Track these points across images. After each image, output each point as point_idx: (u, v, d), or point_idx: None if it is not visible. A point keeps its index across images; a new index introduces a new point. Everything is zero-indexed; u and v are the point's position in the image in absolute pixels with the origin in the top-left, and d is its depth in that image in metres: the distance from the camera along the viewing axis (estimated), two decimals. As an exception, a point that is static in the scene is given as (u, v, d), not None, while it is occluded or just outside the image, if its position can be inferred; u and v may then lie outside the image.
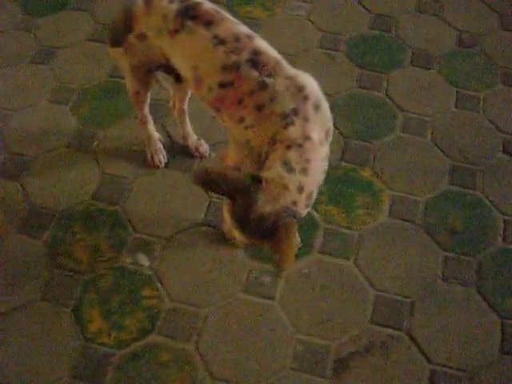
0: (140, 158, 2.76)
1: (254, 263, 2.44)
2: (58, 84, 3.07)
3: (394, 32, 3.30)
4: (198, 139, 2.76)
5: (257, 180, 1.78)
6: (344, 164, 2.74)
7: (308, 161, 1.84)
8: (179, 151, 2.79)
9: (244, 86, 1.93)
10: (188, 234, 2.52)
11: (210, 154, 2.77)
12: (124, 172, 2.72)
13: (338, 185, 2.68)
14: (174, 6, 2.06)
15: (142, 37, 2.17)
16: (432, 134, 2.86)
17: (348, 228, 2.54)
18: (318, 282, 2.40)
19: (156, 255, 2.46)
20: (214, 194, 2.60)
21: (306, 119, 1.86)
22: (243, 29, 2.02)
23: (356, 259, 2.46)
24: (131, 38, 2.19)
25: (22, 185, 2.67)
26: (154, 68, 2.31)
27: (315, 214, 2.58)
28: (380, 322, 2.31)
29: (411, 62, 3.17)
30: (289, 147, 1.84)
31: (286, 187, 1.80)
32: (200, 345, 2.25)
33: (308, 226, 2.54)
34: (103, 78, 3.10)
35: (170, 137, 2.84)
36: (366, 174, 2.71)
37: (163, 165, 2.73)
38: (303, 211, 1.86)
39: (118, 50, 2.28)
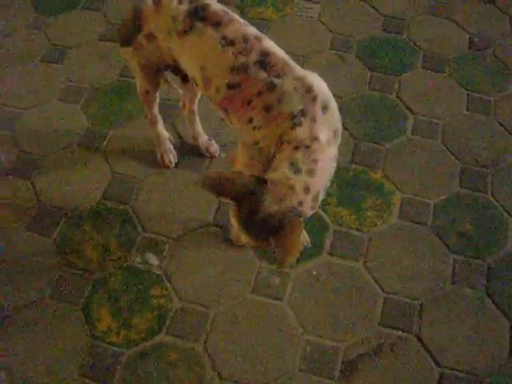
0: (150, 157, 2.77)
1: (263, 264, 2.44)
2: (69, 83, 3.08)
3: (405, 34, 3.30)
4: (209, 139, 2.76)
5: (262, 182, 1.78)
6: (354, 166, 2.74)
7: (315, 161, 1.83)
8: (189, 151, 2.79)
9: (252, 86, 1.93)
10: (197, 233, 2.52)
11: (220, 155, 2.77)
12: (134, 171, 2.72)
13: (348, 186, 2.67)
14: (183, 7, 2.06)
15: (150, 37, 2.17)
16: (443, 136, 2.85)
17: (358, 230, 2.54)
18: (327, 284, 2.40)
19: (165, 255, 2.46)
20: (222, 199, 2.60)
21: (313, 120, 1.85)
22: (252, 30, 2.01)
23: (365, 261, 2.45)
24: (140, 37, 2.20)
25: (32, 183, 2.68)
26: (162, 68, 2.32)
27: (325, 215, 2.57)
28: (389, 324, 2.30)
29: (422, 64, 3.16)
30: (296, 148, 1.83)
31: (292, 188, 1.80)
32: (208, 345, 2.24)
33: (318, 227, 2.54)
34: (114, 77, 3.11)
35: (180, 137, 2.84)
36: (376, 176, 2.70)
37: (173, 165, 2.73)
38: (309, 212, 1.86)
39: (127, 49, 2.29)
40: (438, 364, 2.21)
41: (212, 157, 2.75)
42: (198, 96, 2.60)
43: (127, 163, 2.75)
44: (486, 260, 2.46)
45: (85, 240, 2.51)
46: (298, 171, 1.81)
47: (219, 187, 1.77)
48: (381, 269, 2.44)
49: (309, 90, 1.88)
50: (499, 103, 2.99)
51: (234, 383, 2.16)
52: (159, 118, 2.63)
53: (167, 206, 2.61)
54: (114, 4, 3.48)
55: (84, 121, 2.91)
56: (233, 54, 1.97)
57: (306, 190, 1.82)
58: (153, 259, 2.45)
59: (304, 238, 1.75)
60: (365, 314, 2.32)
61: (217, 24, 2.01)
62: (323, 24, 3.35)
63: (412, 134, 2.86)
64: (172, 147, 2.73)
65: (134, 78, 2.53)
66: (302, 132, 1.84)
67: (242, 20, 2.05)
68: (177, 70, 2.33)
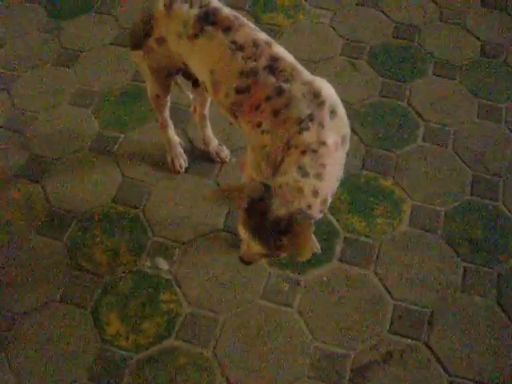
0: (160, 162, 2.77)
1: (273, 270, 2.44)
2: (81, 87, 3.09)
3: (416, 41, 3.30)
4: (219, 145, 2.76)
5: (269, 187, 1.79)
6: (365, 172, 2.73)
7: (323, 166, 1.83)
8: (200, 156, 2.79)
9: (261, 91, 1.93)
10: (207, 239, 2.52)
11: (230, 160, 2.77)
12: (144, 176, 2.73)
13: (358, 193, 2.67)
14: (194, 11, 2.07)
15: (161, 40, 2.17)
16: (453, 144, 2.85)
17: (368, 237, 2.54)
18: (336, 290, 2.39)
19: (175, 259, 2.47)
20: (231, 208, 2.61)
21: (321, 125, 1.85)
22: (262, 35, 2.02)
23: (375, 268, 2.45)
24: (151, 41, 2.20)
25: (43, 187, 2.69)
26: (173, 72, 2.32)
27: (335, 222, 2.57)
28: (398, 331, 2.29)
29: (433, 71, 3.16)
30: (303, 152, 1.84)
31: (300, 191, 1.80)
32: (218, 350, 2.24)
33: (328, 234, 2.54)
34: (125, 82, 3.11)
35: (190, 142, 2.85)
36: (386, 183, 2.70)
37: (184, 169, 2.73)
38: (318, 215, 1.86)
39: (138, 53, 2.29)
40: (447, 372, 2.20)
41: (222, 162, 2.76)
42: (209, 100, 2.61)
43: (138, 167, 2.75)
44: (496, 268, 2.46)
45: (95, 244, 2.51)
46: (305, 175, 1.81)
47: (228, 197, 1.79)
48: (390, 276, 2.43)
49: (317, 95, 1.89)
50: (510, 111, 2.98)
51: (242, 389, 2.16)
52: (170, 122, 2.63)
53: (177, 210, 2.61)
54: (126, 8, 3.49)
55: (95, 125, 2.92)
56: (242, 58, 1.97)
57: (315, 193, 1.82)
58: (163, 264, 2.45)
59: (314, 244, 1.75)
60: (374, 322, 2.32)
61: (227, 29, 2.02)
62: (334, 30, 3.35)
63: (423, 141, 2.86)
64: (182, 152, 2.74)
65: (145, 82, 2.54)
66: (309, 136, 1.84)
67: (252, 25, 2.06)
68: (188, 74, 2.34)
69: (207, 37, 2.03)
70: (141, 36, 2.23)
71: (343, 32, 3.34)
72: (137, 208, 2.62)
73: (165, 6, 2.13)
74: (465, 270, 2.45)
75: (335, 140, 1.87)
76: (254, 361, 2.22)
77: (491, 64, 3.20)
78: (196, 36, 2.05)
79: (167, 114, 2.59)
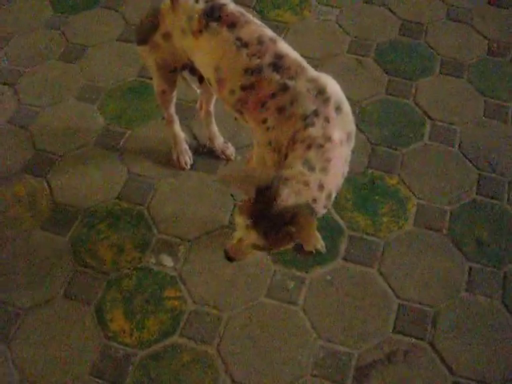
0: (166, 158, 2.77)
1: (278, 268, 2.43)
2: (87, 82, 3.09)
3: (423, 39, 3.28)
4: (225, 142, 2.76)
5: (279, 177, 1.78)
6: (371, 171, 2.72)
7: (328, 160, 1.83)
8: (205, 153, 2.79)
9: (266, 88, 1.93)
10: (212, 236, 2.52)
11: (236, 157, 2.76)
12: (149, 172, 2.72)
13: (364, 191, 2.66)
14: (200, 6, 2.06)
15: (167, 36, 2.17)
16: (460, 142, 2.84)
17: (373, 235, 2.53)
18: (341, 289, 2.39)
19: (180, 256, 2.46)
20: (237, 198, 2.60)
21: (326, 120, 1.85)
22: (267, 32, 2.01)
23: (380, 267, 2.44)
24: (157, 36, 2.20)
25: (48, 182, 2.69)
26: (179, 67, 2.32)
27: (340, 220, 2.57)
28: (403, 330, 2.29)
29: (440, 69, 3.14)
30: (309, 147, 1.83)
31: (307, 184, 1.80)
32: (222, 348, 2.24)
33: (333, 232, 2.53)
34: (131, 77, 3.11)
35: (196, 138, 2.84)
36: (392, 181, 2.69)
37: (189, 166, 2.73)
38: (322, 210, 1.86)
39: (144, 47, 2.29)
40: (451, 372, 2.20)
41: (228, 159, 2.75)
42: (215, 97, 2.60)
43: (143, 164, 2.75)
44: (501, 268, 2.45)
45: (99, 240, 2.51)
46: (311, 169, 1.81)
47: (239, 181, 1.79)
48: (395, 275, 2.42)
49: (322, 91, 1.88)
50: (517, 110, 2.97)
51: (246, 387, 2.16)
52: (176, 118, 2.63)
53: (182, 207, 2.61)
54: (133, 4, 3.48)
55: (101, 120, 2.92)
56: (247, 55, 1.96)
57: (321, 187, 1.81)
58: (167, 261, 2.45)
59: (319, 241, 1.74)
60: (378, 321, 2.31)
61: (232, 25, 2.01)
62: (341, 27, 3.34)
63: (429, 139, 2.85)
64: (188, 148, 2.73)
65: (151, 78, 2.53)
66: (315, 131, 1.84)
67: (258, 22, 2.05)
68: (194, 69, 2.33)
69: (211, 33, 2.02)
70: (147, 31, 2.23)
71: (350, 29, 3.33)
72: (142, 204, 2.61)
73: (171, 0, 2.12)
74: (470, 270, 2.44)
75: (340, 136, 1.87)
76: (258, 359, 2.22)
77: (498, 63, 3.18)
78: (201, 32, 2.04)
79: (173, 109, 2.58)
